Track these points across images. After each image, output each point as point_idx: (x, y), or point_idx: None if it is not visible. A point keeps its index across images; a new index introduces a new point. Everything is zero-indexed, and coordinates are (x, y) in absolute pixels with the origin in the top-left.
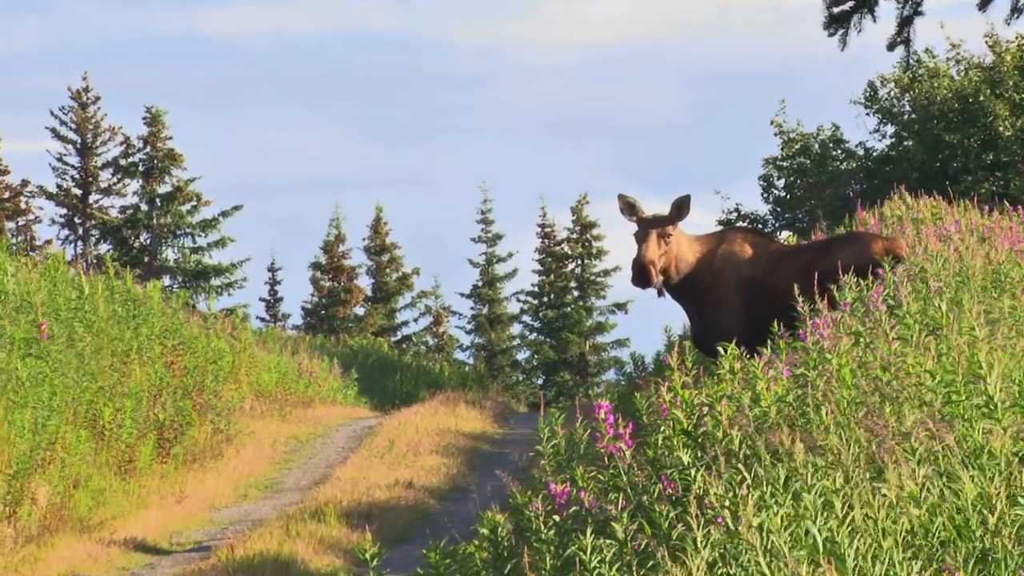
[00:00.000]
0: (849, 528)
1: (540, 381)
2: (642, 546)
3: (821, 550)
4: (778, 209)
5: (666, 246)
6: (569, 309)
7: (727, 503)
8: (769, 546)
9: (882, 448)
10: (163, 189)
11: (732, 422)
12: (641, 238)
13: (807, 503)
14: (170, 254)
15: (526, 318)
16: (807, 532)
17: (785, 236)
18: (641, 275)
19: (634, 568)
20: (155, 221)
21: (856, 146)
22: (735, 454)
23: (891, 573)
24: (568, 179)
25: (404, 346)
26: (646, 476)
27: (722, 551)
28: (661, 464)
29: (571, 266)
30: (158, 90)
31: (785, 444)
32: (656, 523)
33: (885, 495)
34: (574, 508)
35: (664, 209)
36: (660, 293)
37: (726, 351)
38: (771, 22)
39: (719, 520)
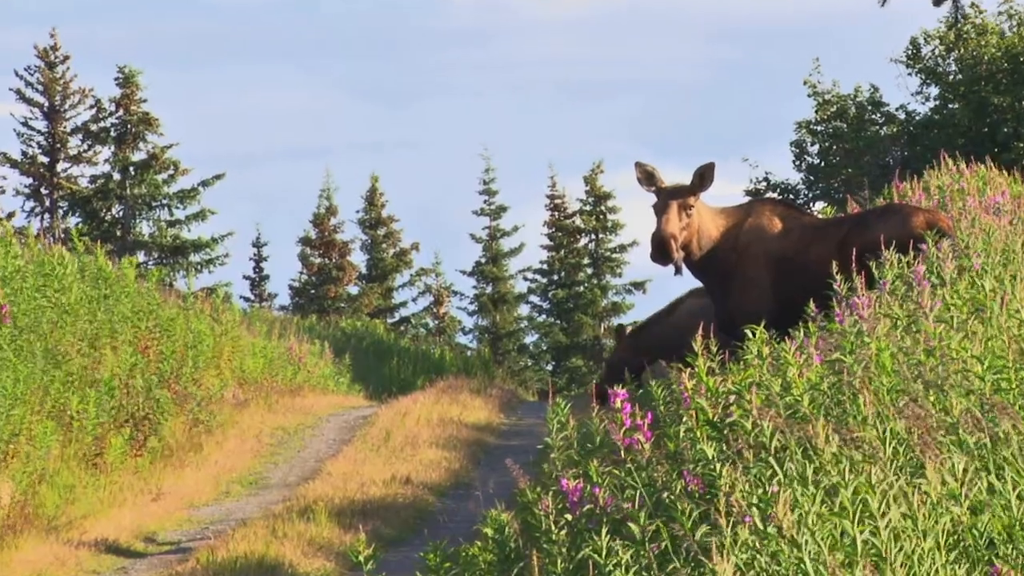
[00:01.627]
0: (889, 528)
1: (550, 367)
2: (662, 548)
3: (860, 552)
4: (811, 178)
5: (687, 219)
6: (582, 288)
7: (755, 501)
8: (806, 549)
9: (923, 440)
10: (137, 157)
11: (761, 412)
12: (660, 210)
13: (844, 501)
14: (145, 228)
15: (534, 298)
16: (843, 532)
17: (819, 208)
18: (660, 250)
19: (654, 571)
20: (128, 191)
21: (897, 109)
22: (764, 447)
23: None
24: (580, 145)
25: (402, 329)
26: (666, 471)
27: (751, 554)
28: (683, 458)
29: (584, 241)
30: (131, 49)
31: (819, 436)
32: (678, 523)
33: (927, 492)
34: (588, 506)
35: (685, 178)
36: (678, 271)
37: (753, 334)
38: None
39: (747, 520)
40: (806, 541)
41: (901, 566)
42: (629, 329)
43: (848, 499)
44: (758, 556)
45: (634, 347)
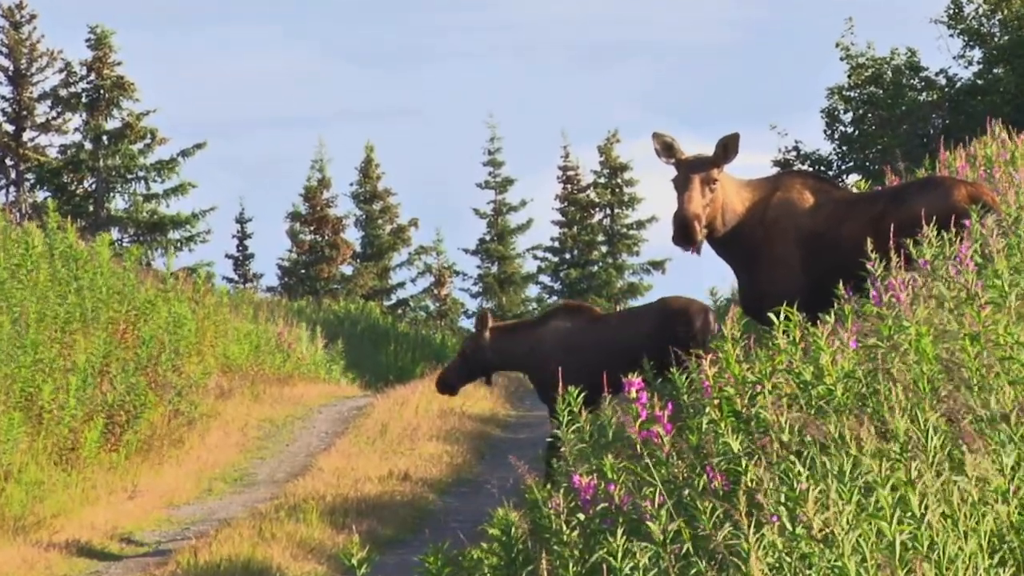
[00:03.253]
0: (928, 529)
1: None
2: (683, 550)
3: (898, 554)
4: (844, 148)
5: (711, 194)
6: (596, 268)
7: (783, 499)
8: (843, 551)
9: (966, 433)
10: (111, 125)
11: (791, 402)
12: (681, 185)
13: (880, 499)
14: (120, 202)
15: (544, 278)
16: (879, 533)
17: (852, 181)
18: (683, 232)
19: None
20: (102, 163)
21: (937, 74)
22: (794, 440)
23: None
24: (591, 113)
25: (400, 312)
26: (688, 467)
27: (779, 556)
28: (706, 452)
29: (598, 216)
30: (104, 8)
31: (853, 429)
32: (700, 523)
33: (967, 491)
34: (602, 505)
35: (708, 149)
36: (697, 250)
37: (781, 317)
38: None
39: (773, 519)
40: (840, 543)
41: (946, 570)
42: (494, 323)
43: (885, 497)
44: (786, 559)
45: (495, 346)
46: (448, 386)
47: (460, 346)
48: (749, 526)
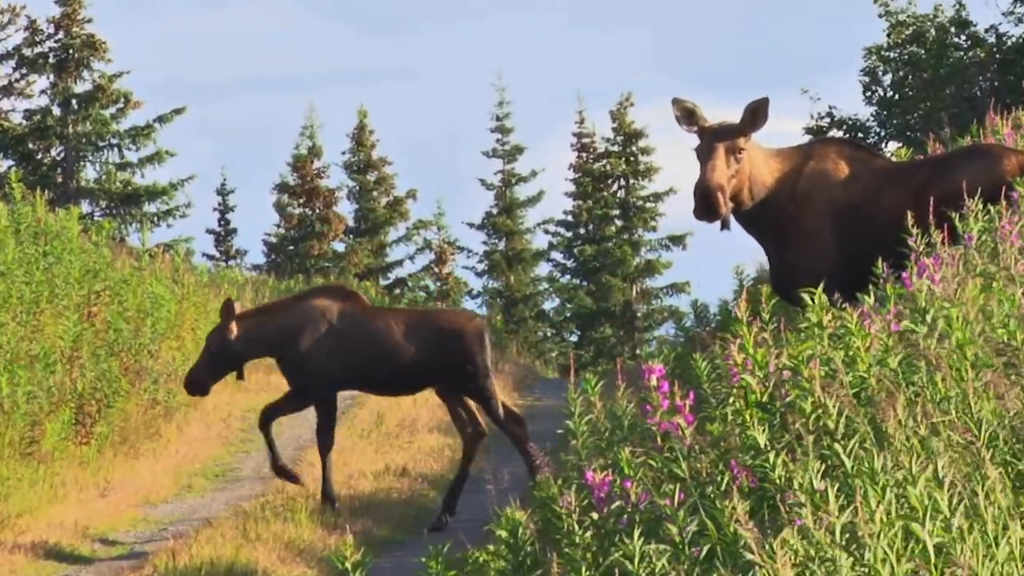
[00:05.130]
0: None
1: (574, 338)
2: (705, 552)
3: (932, 560)
4: (884, 113)
5: (737, 164)
6: (611, 244)
7: (811, 497)
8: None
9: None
10: (80, 88)
11: (824, 391)
12: (705, 155)
13: (912, 499)
14: (90, 172)
15: (556, 255)
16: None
17: (892, 149)
18: (706, 204)
19: None
20: (70, 129)
21: (985, 31)
22: (830, 432)
23: None
24: (602, 76)
25: (397, 292)
26: (711, 461)
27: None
28: (730, 446)
29: (613, 188)
30: None
31: (894, 417)
32: (723, 523)
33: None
34: (617, 503)
35: (734, 116)
36: (725, 225)
37: (813, 298)
38: None
39: (798, 521)
40: (872, 546)
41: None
42: (240, 309)
43: (917, 497)
44: (809, 564)
45: (245, 335)
46: (199, 387)
47: (205, 341)
48: (775, 527)
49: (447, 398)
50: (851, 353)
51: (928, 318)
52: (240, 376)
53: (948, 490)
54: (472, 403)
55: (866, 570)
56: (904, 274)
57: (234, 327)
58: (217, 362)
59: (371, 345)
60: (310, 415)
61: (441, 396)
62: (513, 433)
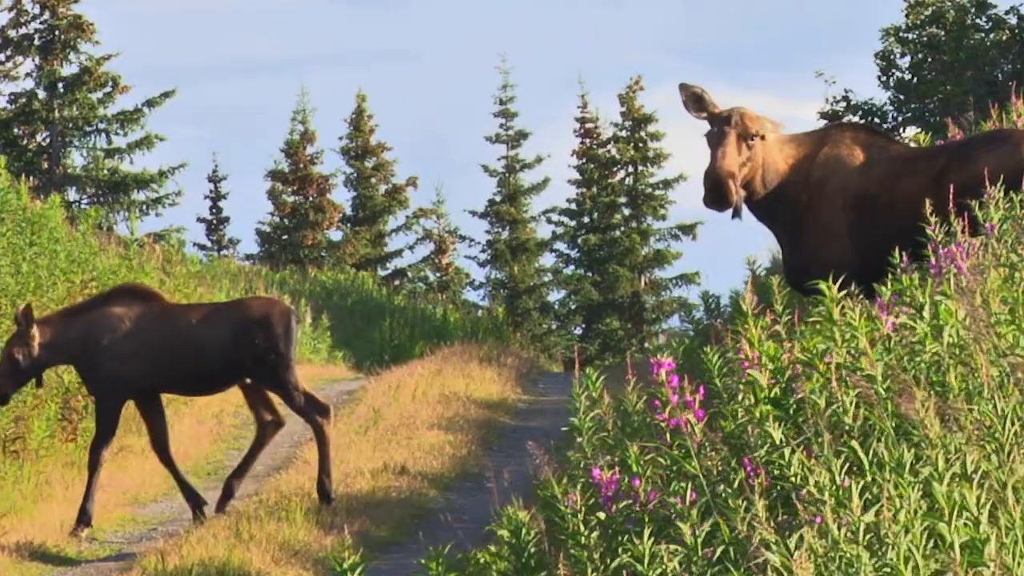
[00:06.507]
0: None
1: (579, 331)
2: (717, 554)
3: (959, 559)
4: (901, 97)
5: (749, 151)
6: (618, 233)
7: (830, 495)
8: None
9: None
10: (67, 71)
11: (840, 385)
12: (716, 141)
13: (937, 496)
14: (77, 158)
15: (560, 245)
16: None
17: (910, 135)
18: (715, 193)
19: None
20: (57, 114)
21: (1007, 12)
22: (848, 429)
23: None
24: (610, 57)
25: (396, 283)
26: (723, 459)
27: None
28: (743, 443)
29: (620, 175)
30: None
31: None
32: (737, 523)
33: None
34: (625, 502)
35: (744, 101)
36: (737, 214)
37: (828, 289)
38: None
39: (817, 520)
40: (896, 544)
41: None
42: (38, 315)
43: (943, 495)
44: (827, 565)
45: (45, 341)
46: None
47: (3, 348)
48: (790, 527)
49: (244, 386)
50: (861, 347)
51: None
52: (39, 384)
53: (976, 489)
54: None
55: (889, 570)
56: (931, 262)
57: (36, 333)
58: (18, 370)
59: (174, 343)
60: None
61: (240, 385)
62: (315, 423)
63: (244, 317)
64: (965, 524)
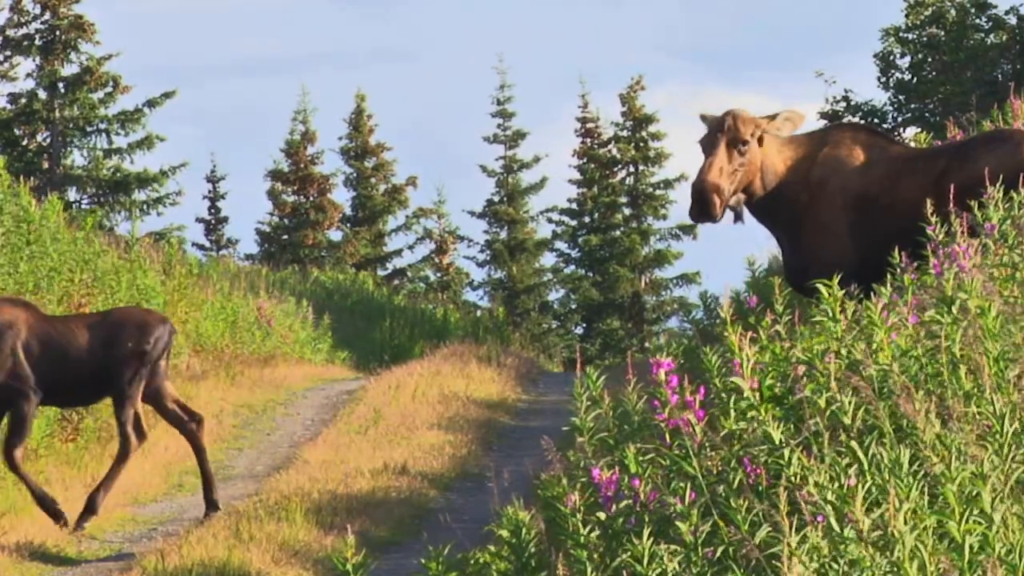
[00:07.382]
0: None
1: (579, 330)
2: (717, 554)
3: (967, 560)
4: (901, 98)
5: (742, 157)
6: (618, 233)
7: (831, 495)
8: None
9: None
10: (68, 71)
11: (842, 384)
12: (706, 148)
13: (947, 496)
14: (78, 158)
15: (560, 245)
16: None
17: (910, 135)
18: (699, 206)
19: None
20: (57, 114)
21: (1007, 13)
22: (847, 428)
23: None
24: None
25: (396, 283)
26: (723, 459)
27: (824, 562)
28: (743, 443)
29: (621, 175)
30: None
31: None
32: (736, 522)
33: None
34: (625, 502)
35: (745, 102)
36: (739, 217)
37: (828, 289)
38: None
39: (819, 519)
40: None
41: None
42: None
43: (953, 494)
44: (832, 565)
45: None
46: None
47: None
48: (791, 527)
49: (149, 401)
50: (873, 345)
51: (954, 308)
52: None
53: (991, 491)
54: (166, 393)
55: (894, 569)
56: (933, 262)
57: None
58: None
59: (51, 354)
60: (304, 410)
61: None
62: (124, 447)
63: (120, 325)
64: (976, 522)
